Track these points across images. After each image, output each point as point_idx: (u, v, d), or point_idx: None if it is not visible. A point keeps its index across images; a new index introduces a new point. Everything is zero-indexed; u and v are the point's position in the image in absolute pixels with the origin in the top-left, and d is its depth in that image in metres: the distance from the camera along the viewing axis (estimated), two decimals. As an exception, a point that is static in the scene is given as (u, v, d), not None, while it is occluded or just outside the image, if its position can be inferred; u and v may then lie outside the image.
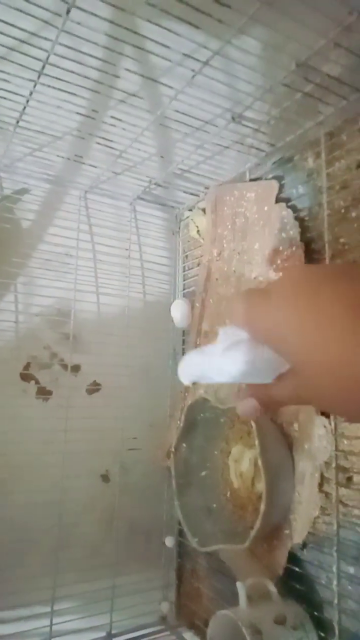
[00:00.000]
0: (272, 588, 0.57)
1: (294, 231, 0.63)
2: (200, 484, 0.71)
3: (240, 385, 0.32)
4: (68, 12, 0.43)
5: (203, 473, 0.72)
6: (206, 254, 0.80)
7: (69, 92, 0.55)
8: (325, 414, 0.57)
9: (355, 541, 0.53)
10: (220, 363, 0.28)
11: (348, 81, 0.52)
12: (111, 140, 0.66)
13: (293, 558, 0.59)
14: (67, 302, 0.79)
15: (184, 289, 0.90)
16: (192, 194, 0.85)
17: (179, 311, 0.81)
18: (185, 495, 0.70)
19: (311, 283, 0.24)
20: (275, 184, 0.68)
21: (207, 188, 0.81)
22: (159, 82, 0.54)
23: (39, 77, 0.52)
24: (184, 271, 0.90)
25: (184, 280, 0.90)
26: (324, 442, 0.56)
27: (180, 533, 0.80)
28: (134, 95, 0.56)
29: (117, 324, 0.82)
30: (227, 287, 0.75)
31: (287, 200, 0.67)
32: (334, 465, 0.55)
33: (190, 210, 0.89)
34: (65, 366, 0.78)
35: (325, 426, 0.56)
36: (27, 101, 0.57)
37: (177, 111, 0.59)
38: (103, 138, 0.66)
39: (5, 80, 0.54)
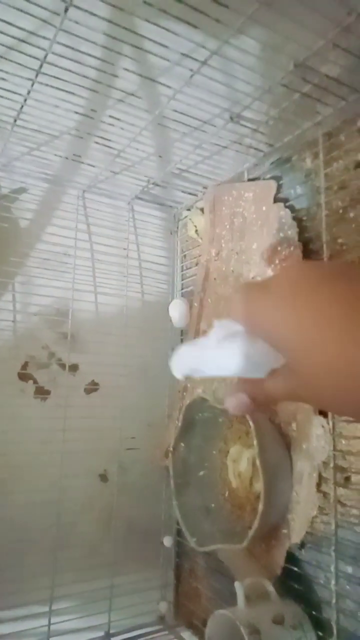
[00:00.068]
0: (271, 588, 0.57)
1: (292, 231, 0.63)
2: (198, 483, 0.71)
3: (229, 380, 0.31)
4: (66, 10, 0.42)
5: (201, 473, 0.72)
6: (204, 254, 0.80)
7: (67, 91, 0.55)
8: (323, 414, 0.57)
9: (353, 541, 0.53)
10: (215, 355, 0.28)
11: (347, 82, 0.52)
12: (109, 140, 0.66)
13: (291, 558, 0.59)
14: (65, 301, 0.78)
15: (182, 289, 0.90)
16: (190, 193, 0.85)
17: (177, 311, 0.81)
18: (184, 495, 0.70)
19: (310, 281, 0.24)
20: (273, 184, 0.68)
21: (205, 188, 0.81)
22: (157, 82, 0.54)
23: (37, 76, 0.52)
24: (182, 271, 0.90)
25: (182, 280, 0.90)
26: (322, 442, 0.56)
27: (179, 533, 0.80)
28: (132, 94, 0.56)
29: (116, 324, 0.82)
30: (225, 286, 0.75)
31: (285, 201, 0.67)
32: (332, 465, 0.55)
33: (189, 210, 0.88)
34: (63, 366, 0.78)
35: (323, 426, 0.56)
36: (25, 100, 0.57)
37: (176, 111, 0.59)
38: (101, 137, 0.66)
39: (3, 79, 0.53)
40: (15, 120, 0.61)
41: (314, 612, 0.55)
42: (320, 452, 0.56)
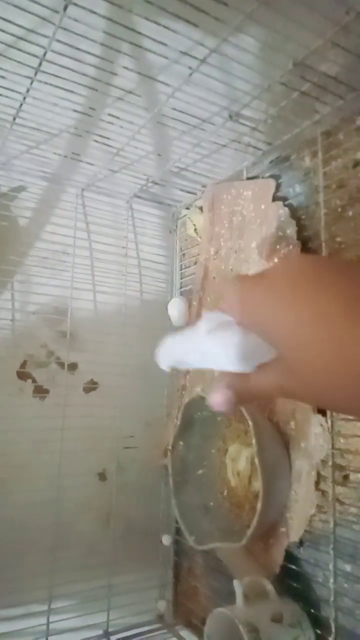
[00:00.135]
0: (269, 586, 0.57)
1: (290, 230, 0.63)
2: (197, 482, 0.71)
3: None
4: (65, 8, 0.42)
5: (200, 471, 0.72)
6: (203, 252, 0.80)
7: (66, 90, 0.55)
8: (322, 412, 0.57)
9: (351, 539, 0.53)
10: (205, 347, 0.27)
11: (345, 80, 0.52)
12: (108, 138, 0.66)
13: (290, 556, 0.59)
14: (64, 300, 0.78)
15: (181, 288, 0.90)
16: (189, 192, 0.85)
17: (176, 310, 0.81)
18: (182, 493, 0.70)
19: (311, 275, 0.24)
20: (272, 183, 0.68)
21: (204, 186, 0.81)
22: (156, 80, 0.54)
23: (35, 74, 0.52)
24: (181, 269, 0.90)
25: (181, 279, 0.90)
26: (320, 440, 0.56)
27: (177, 531, 0.80)
28: (131, 92, 0.56)
29: (114, 323, 0.82)
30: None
31: (284, 199, 0.67)
32: (330, 463, 0.55)
33: (188, 208, 0.88)
34: (62, 364, 0.78)
35: (322, 424, 0.57)
36: (24, 98, 0.57)
37: (175, 109, 0.59)
38: (100, 136, 0.66)
39: (2, 77, 0.53)
40: (14, 119, 0.61)
41: (312, 610, 0.55)
42: (318, 450, 0.56)
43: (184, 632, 0.75)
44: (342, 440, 0.56)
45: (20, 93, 0.56)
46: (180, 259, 0.91)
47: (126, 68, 0.52)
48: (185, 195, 0.86)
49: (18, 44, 0.48)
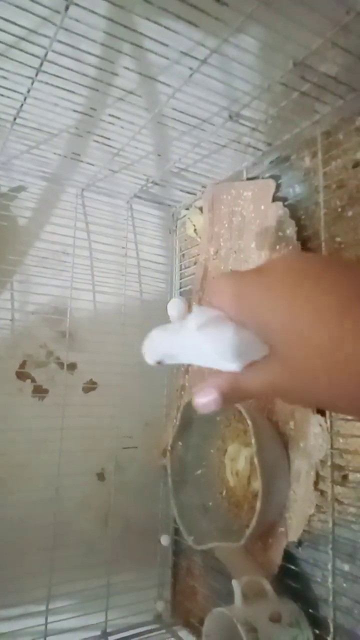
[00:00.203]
0: (268, 586, 0.57)
1: (290, 230, 0.63)
2: (196, 482, 0.71)
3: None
4: (67, 8, 0.43)
5: (199, 471, 0.72)
6: (203, 253, 0.80)
7: (66, 90, 0.55)
8: (321, 412, 0.57)
9: (350, 539, 0.53)
10: (194, 342, 0.25)
11: (345, 80, 0.52)
12: (108, 138, 0.66)
13: (288, 556, 0.59)
14: (64, 300, 0.78)
15: (180, 288, 0.90)
16: (189, 192, 0.85)
17: (175, 310, 0.80)
18: (181, 493, 0.70)
19: (310, 272, 0.24)
20: (272, 183, 0.68)
21: (204, 187, 0.81)
22: (156, 80, 0.54)
23: (36, 74, 0.52)
24: (180, 270, 0.90)
25: (181, 279, 0.90)
26: (319, 440, 0.56)
27: (176, 531, 0.80)
28: (131, 93, 0.56)
29: (114, 323, 0.82)
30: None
31: (283, 199, 0.67)
32: (329, 463, 0.55)
33: (187, 208, 0.89)
34: (61, 364, 0.78)
35: (321, 424, 0.57)
36: (25, 98, 0.57)
37: (175, 109, 0.59)
38: (100, 136, 0.66)
39: (3, 77, 0.53)
40: (15, 119, 0.61)
41: (311, 610, 0.56)
42: (317, 450, 0.57)
43: (182, 632, 0.75)
44: (341, 440, 0.56)
45: (21, 93, 0.56)
46: (180, 259, 0.91)
47: (127, 68, 0.52)
48: (185, 195, 0.86)
49: (19, 44, 0.48)
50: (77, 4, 0.43)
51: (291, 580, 0.59)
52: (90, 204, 0.84)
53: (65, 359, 0.78)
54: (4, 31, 0.46)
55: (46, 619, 0.68)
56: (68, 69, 0.52)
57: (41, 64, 0.50)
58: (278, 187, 0.68)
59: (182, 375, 0.82)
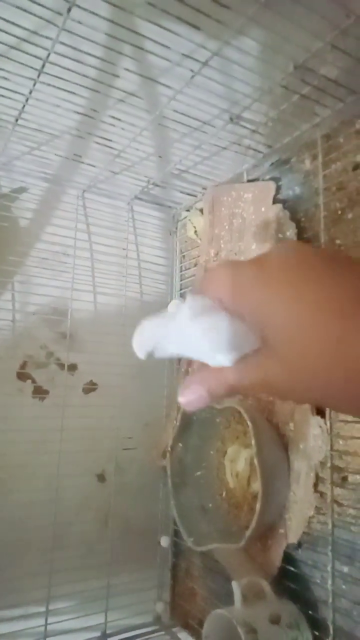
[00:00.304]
0: (267, 587, 0.57)
1: (290, 232, 0.63)
2: (195, 483, 0.71)
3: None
4: (69, 10, 0.43)
5: (199, 473, 0.72)
6: (203, 254, 0.81)
7: (68, 91, 0.55)
8: (320, 414, 0.57)
9: (349, 540, 0.53)
10: (187, 331, 0.24)
11: (345, 83, 0.53)
12: (110, 140, 0.67)
13: (288, 557, 0.59)
14: (64, 301, 0.79)
15: (181, 289, 0.90)
16: (189, 194, 0.85)
17: (176, 311, 0.81)
18: (181, 494, 0.70)
19: (315, 264, 0.23)
20: (272, 185, 0.68)
21: (204, 188, 0.82)
22: (157, 82, 0.54)
23: (39, 75, 0.52)
24: (181, 271, 0.91)
25: (181, 281, 0.90)
26: (319, 441, 0.57)
27: (176, 533, 0.80)
28: (132, 95, 0.57)
29: (114, 324, 0.82)
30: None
31: (284, 202, 0.67)
32: (329, 465, 0.56)
33: (188, 210, 0.89)
34: (61, 365, 0.78)
35: (320, 426, 0.57)
36: (27, 100, 0.57)
37: (176, 111, 0.59)
38: (101, 137, 0.66)
39: (5, 78, 0.54)
40: (16, 120, 0.61)
41: (310, 612, 0.55)
42: (317, 452, 0.57)
43: (182, 634, 0.75)
44: (340, 442, 0.56)
45: (22, 94, 0.56)
46: (180, 260, 0.91)
47: (128, 70, 0.53)
48: (186, 197, 0.87)
49: (21, 46, 0.49)
50: (79, 6, 0.43)
51: (291, 582, 0.59)
52: (91, 205, 0.84)
53: (65, 360, 0.78)
54: (6, 32, 0.47)
55: (46, 620, 0.68)
56: (70, 70, 0.52)
57: (43, 66, 0.51)
58: (278, 189, 0.68)
59: (182, 376, 0.83)
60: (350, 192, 0.58)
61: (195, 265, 0.83)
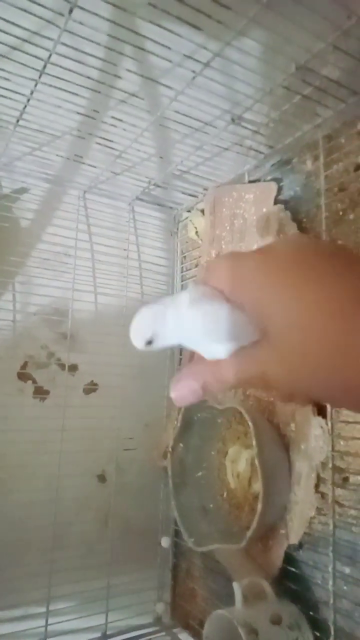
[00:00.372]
0: (268, 588, 0.57)
1: (292, 233, 0.63)
2: (196, 484, 0.71)
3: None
4: (71, 11, 0.43)
5: (199, 473, 0.72)
6: (204, 255, 0.81)
7: (69, 92, 0.55)
8: (322, 414, 0.57)
9: (350, 541, 0.53)
10: (185, 317, 0.24)
11: (346, 84, 0.53)
12: (111, 141, 0.66)
13: (289, 558, 0.59)
14: (65, 301, 0.79)
15: (182, 290, 0.90)
16: (190, 195, 0.85)
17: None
18: (182, 495, 0.70)
19: (318, 261, 0.23)
20: (273, 186, 0.68)
21: (205, 189, 0.82)
22: (159, 83, 0.54)
23: (40, 76, 0.52)
24: (182, 272, 0.91)
25: (182, 281, 0.90)
26: (320, 442, 0.56)
27: (176, 533, 0.80)
28: (134, 95, 0.56)
29: (115, 324, 0.82)
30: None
31: (285, 202, 0.67)
32: (330, 465, 0.55)
33: (189, 211, 0.89)
34: (62, 366, 0.78)
35: (322, 427, 0.57)
36: (28, 100, 0.57)
37: (177, 112, 0.59)
38: (103, 138, 0.66)
39: (6, 79, 0.54)
40: (17, 120, 0.61)
41: (311, 613, 0.55)
42: (318, 452, 0.57)
43: (182, 635, 0.75)
44: (342, 443, 0.56)
45: (24, 95, 0.56)
46: (181, 261, 0.91)
47: (129, 71, 0.52)
48: (187, 198, 0.87)
49: (23, 47, 0.49)
50: (81, 7, 0.43)
51: (292, 583, 0.58)
52: (92, 205, 0.84)
53: (66, 360, 0.78)
54: (8, 33, 0.47)
55: (46, 621, 0.68)
56: (71, 71, 0.52)
57: (44, 66, 0.51)
58: (280, 190, 0.68)
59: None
60: (352, 193, 0.58)
61: (197, 266, 0.84)
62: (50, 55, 0.49)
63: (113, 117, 0.61)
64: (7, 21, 0.45)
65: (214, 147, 0.68)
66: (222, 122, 0.61)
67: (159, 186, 0.82)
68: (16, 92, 0.56)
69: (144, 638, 0.74)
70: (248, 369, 0.24)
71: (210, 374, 0.25)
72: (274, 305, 0.22)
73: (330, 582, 0.54)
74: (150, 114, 0.60)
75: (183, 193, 0.85)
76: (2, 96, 0.57)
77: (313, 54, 0.48)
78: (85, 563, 0.75)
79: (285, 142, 0.65)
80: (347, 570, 0.53)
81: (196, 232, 0.85)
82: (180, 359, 0.87)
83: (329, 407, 0.57)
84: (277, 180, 0.69)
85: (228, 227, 0.76)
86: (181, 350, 0.87)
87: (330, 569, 0.54)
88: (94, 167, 0.75)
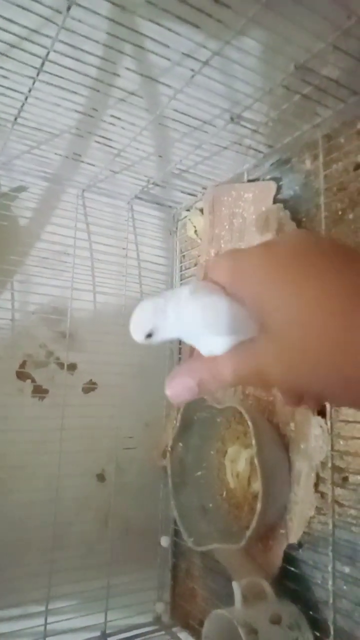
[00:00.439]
0: (268, 588, 0.57)
1: (292, 229, 0.63)
2: (196, 483, 0.71)
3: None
4: (69, 9, 0.43)
5: (199, 473, 0.72)
6: (203, 254, 0.80)
7: (68, 90, 0.55)
8: (321, 414, 0.57)
9: (350, 541, 0.53)
10: (185, 309, 0.23)
11: (346, 84, 0.52)
12: (110, 139, 0.66)
13: (289, 558, 0.59)
14: (64, 300, 0.78)
15: (180, 289, 0.90)
16: (189, 194, 0.85)
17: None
18: (181, 494, 0.70)
19: (320, 257, 0.23)
20: (273, 185, 0.68)
21: (204, 188, 0.81)
22: (158, 82, 0.54)
23: (38, 74, 0.52)
24: (181, 271, 0.90)
25: (181, 280, 0.90)
26: (320, 442, 0.56)
27: (176, 533, 0.80)
28: (133, 94, 0.56)
29: (114, 323, 0.82)
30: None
31: (284, 202, 0.67)
32: (329, 465, 0.55)
33: (188, 210, 0.89)
34: (61, 365, 0.78)
35: (321, 426, 0.57)
36: (26, 98, 0.57)
37: (176, 111, 0.59)
38: (101, 137, 0.66)
39: (4, 77, 0.53)
40: (15, 119, 0.61)
41: (311, 612, 0.55)
42: (318, 452, 0.57)
43: (182, 634, 0.75)
44: (341, 442, 0.56)
45: (22, 93, 0.56)
46: (180, 260, 0.91)
47: (128, 69, 0.52)
48: (186, 197, 0.86)
49: (21, 44, 0.48)
50: (79, 4, 0.42)
51: (291, 583, 0.59)
52: (91, 204, 0.84)
53: (65, 359, 0.78)
54: (6, 31, 0.46)
55: (45, 620, 0.68)
56: (69, 69, 0.51)
57: (42, 64, 0.50)
58: (279, 189, 0.68)
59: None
60: (352, 193, 0.58)
61: (196, 265, 0.83)
62: (48, 53, 0.49)
63: (112, 116, 0.61)
64: (5, 18, 0.45)
65: (213, 146, 0.68)
66: (221, 121, 0.61)
67: (158, 185, 0.82)
68: (14, 90, 0.56)
69: (144, 637, 0.74)
70: (246, 365, 0.23)
71: (206, 370, 0.24)
72: (274, 302, 0.22)
73: (330, 582, 0.54)
74: (149, 112, 0.60)
75: (182, 192, 0.85)
76: (0, 94, 0.56)
77: (313, 53, 0.48)
78: (85, 562, 0.75)
79: (284, 142, 0.65)
80: (346, 569, 0.53)
81: (195, 231, 0.85)
82: (180, 358, 0.87)
83: (328, 406, 0.57)
84: (277, 180, 0.69)
85: (227, 226, 0.76)
86: (180, 349, 0.86)
87: (329, 568, 0.54)
88: (93, 165, 0.74)
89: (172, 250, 0.92)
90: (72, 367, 0.79)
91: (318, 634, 0.54)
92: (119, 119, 0.61)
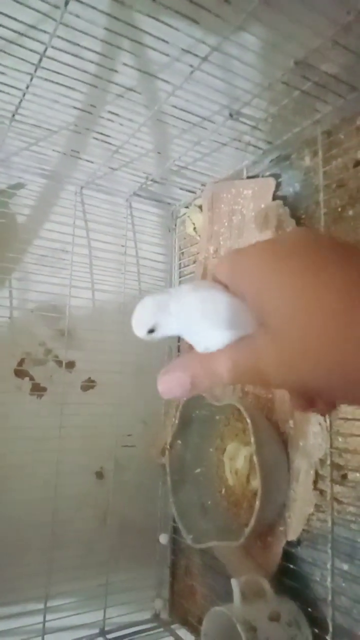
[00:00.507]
0: (267, 585, 0.57)
1: (292, 227, 0.63)
2: (195, 481, 0.71)
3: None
4: (67, 4, 0.42)
5: (198, 470, 0.72)
6: (202, 251, 0.80)
7: (66, 86, 0.55)
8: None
9: (349, 538, 0.53)
10: (186, 304, 0.23)
11: (346, 80, 0.52)
12: (108, 136, 0.66)
13: (287, 555, 0.59)
14: (62, 298, 0.78)
15: (179, 286, 0.89)
16: (188, 190, 0.85)
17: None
18: (180, 492, 0.70)
19: (321, 254, 0.22)
20: (272, 182, 0.68)
21: (203, 185, 0.81)
22: (157, 78, 0.53)
23: (36, 70, 0.52)
24: (179, 268, 0.90)
25: (180, 277, 0.90)
26: (319, 439, 0.56)
27: (175, 530, 0.80)
28: (131, 90, 0.56)
29: (113, 321, 0.82)
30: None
31: (284, 198, 0.67)
32: (328, 462, 0.55)
33: (187, 207, 0.88)
34: (60, 362, 0.78)
35: (320, 424, 0.57)
36: (24, 94, 0.57)
37: (175, 107, 0.58)
38: (100, 133, 0.66)
39: (2, 73, 0.53)
40: (13, 115, 0.61)
41: (309, 609, 0.56)
42: (317, 449, 0.57)
43: (181, 631, 0.75)
44: (340, 440, 0.56)
45: (19, 89, 0.56)
46: (179, 257, 0.91)
47: (127, 65, 0.52)
48: (185, 193, 0.86)
49: (18, 40, 0.48)
50: (77, 0, 0.42)
51: (290, 580, 0.59)
52: (90, 201, 0.83)
53: (63, 357, 0.77)
54: (3, 26, 0.46)
55: (44, 617, 0.68)
56: (67, 65, 0.51)
57: (40, 60, 0.50)
58: (278, 185, 0.68)
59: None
60: (351, 190, 0.57)
61: (194, 262, 0.83)
62: (46, 49, 0.48)
63: (110, 112, 0.61)
64: (2, 14, 0.44)
65: (212, 143, 0.68)
66: (220, 117, 0.61)
67: (156, 182, 0.81)
68: (12, 87, 0.55)
69: (143, 634, 0.74)
70: (244, 363, 0.23)
71: (202, 367, 0.23)
72: (274, 301, 0.22)
73: (329, 579, 0.54)
74: (147, 108, 0.59)
75: (181, 189, 0.84)
76: (-2, 90, 0.56)
77: (312, 49, 0.48)
78: (83, 560, 0.75)
79: (284, 138, 0.65)
80: (345, 567, 0.53)
81: (194, 228, 0.85)
82: (179, 356, 0.87)
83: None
84: (276, 176, 0.69)
85: (226, 223, 0.75)
86: (179, 346, 0.86)
87: (328, 565, 0.54)
88: (91, 162, 0.74)
89: (170, 247, 0.92)
90: (71, 364, 0.79)
91: (317, 631, 0.54)
92: (117, 115, 0.61)
